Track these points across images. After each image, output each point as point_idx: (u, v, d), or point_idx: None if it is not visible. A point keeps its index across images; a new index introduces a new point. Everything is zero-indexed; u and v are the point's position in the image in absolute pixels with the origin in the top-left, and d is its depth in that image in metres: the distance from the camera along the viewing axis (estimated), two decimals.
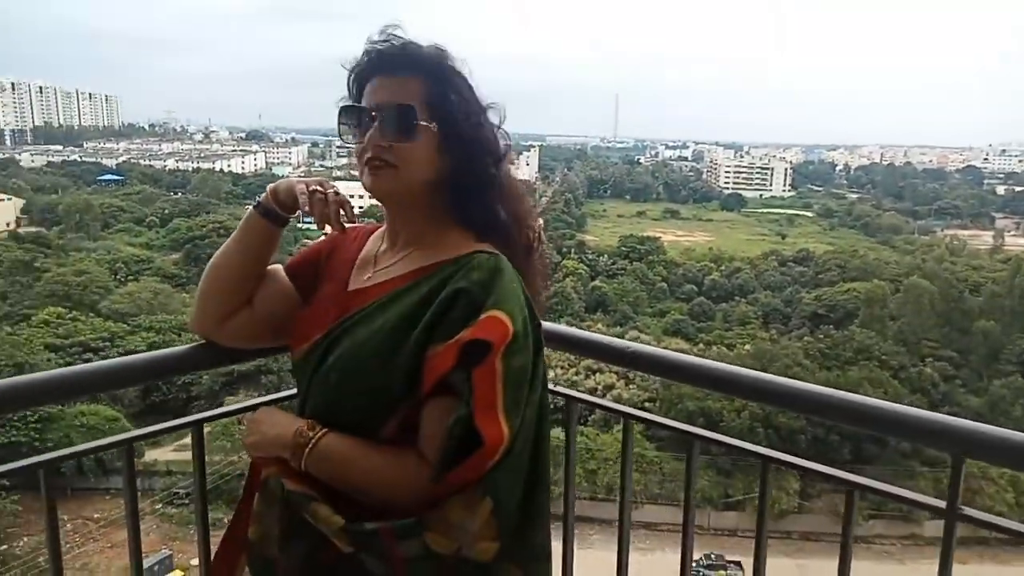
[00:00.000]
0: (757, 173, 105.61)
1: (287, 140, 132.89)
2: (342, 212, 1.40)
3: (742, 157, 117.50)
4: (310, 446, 1.27)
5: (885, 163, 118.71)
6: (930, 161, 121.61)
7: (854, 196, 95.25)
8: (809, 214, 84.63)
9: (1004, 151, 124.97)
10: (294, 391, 1.73)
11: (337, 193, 1.42)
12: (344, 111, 1.36)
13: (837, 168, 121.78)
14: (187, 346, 1.58)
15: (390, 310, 1.30)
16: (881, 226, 72.34)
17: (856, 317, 38.30)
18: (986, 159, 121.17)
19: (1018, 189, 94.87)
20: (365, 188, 1.35)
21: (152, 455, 23.30)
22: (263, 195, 1.48)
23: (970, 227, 76.51)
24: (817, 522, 24.74)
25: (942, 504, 1.37)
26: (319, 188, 1.41)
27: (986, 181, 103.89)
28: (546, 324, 1.42)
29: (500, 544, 1.21)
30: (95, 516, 22.93)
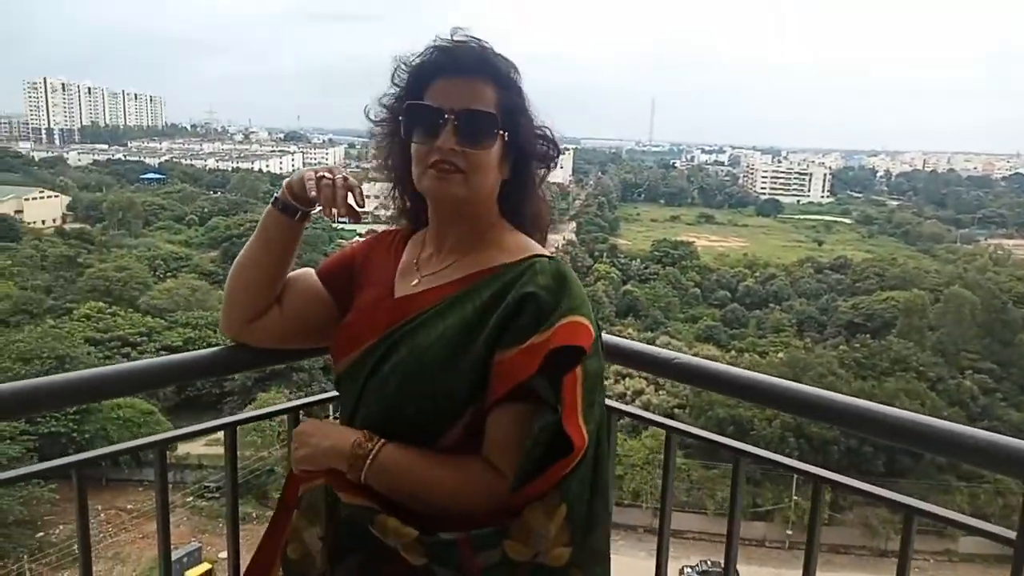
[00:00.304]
0: (795, 178, 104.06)
1: (324, 141, 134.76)
2: (351, 196, 1.38)
3: (780, 162, 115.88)
4: (371, 457, 1.23)
5: (928, 169, 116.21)
6: (975, 168, 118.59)
7: (894, 203, 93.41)
8: (847, 221, 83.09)
9: None
10: (328, 394, 1.75)
11: (346, 179, 1.39)
12: (413, 110, 1.30)
13: (878, 174, 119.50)
14: (218, 348, 1.56)
15: (450, 315, 1.27)
16: (922, 234, 70.73)
17: (894, 327, 37.54)
18: None
19: None
20: (428, 191, 1.31)
21: (184, 449, 23.74)
22: (280, 190, 1.45)
23: (1015, 236, 74.39)
24: (848, 535, 24.30)
25: (1011, 534, 1.28)
26: (327, 174, 1.39)
27: None
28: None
29: (572, 549, 1.20)
30: (128, 507, 23.47)
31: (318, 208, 1.42)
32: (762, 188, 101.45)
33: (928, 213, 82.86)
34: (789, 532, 24.39)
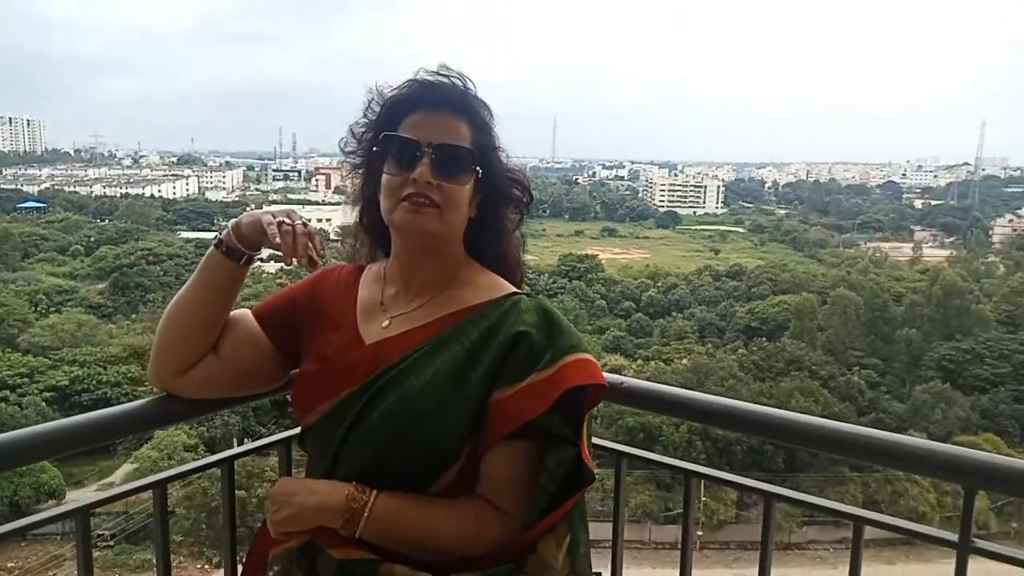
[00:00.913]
0: (691, 191, 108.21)
1: (221, 164, 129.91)
2: (310, 245, 1.33)
3: (676, 176, 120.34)
4: (368, 510, 1.19)
5: (811, 180, 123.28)
6: (853, 177, 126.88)
7: (783, 212, 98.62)
8: (741, 230, 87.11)
9: (920, 167, 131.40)
10: (281, 435, 1.70)
11: (305, 225, 1.35)
12: (388, 140, 1.29)
13: (766, 185, 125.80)
14: (148, 400, 1.45)
15: (438, 357, 1.24)
16: (808, 240, 74.98)
17: (787, 329, 39.53)
18: (904, 175, 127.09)
19: (934, 203, 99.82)
20: (399, 224, 1.28)
21: (72, 494, 22.23)
22: (224, 232, 1.38)
23: (891, 240, 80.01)
24: (755, 531, 25.24)
25: (953, 537, 1.36)
26: (286, 220, 1.34)
27: (904, 196, 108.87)
28: None
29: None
30: (9, 565, 21.67)
31: (266, 252, 1.38)
32: (661, 201, 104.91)
33: (813, 220, 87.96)
34: (700, 533, 25.11)
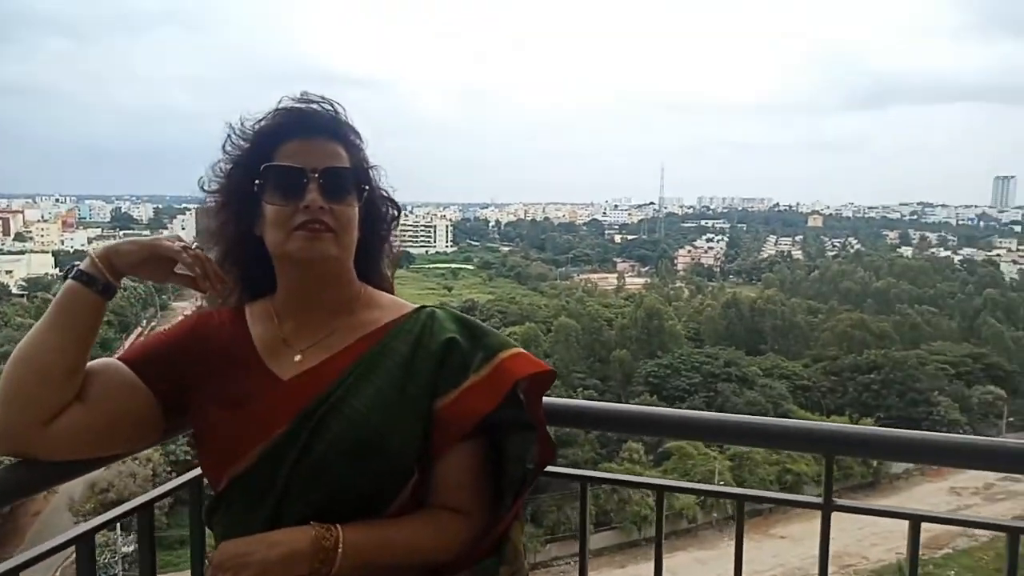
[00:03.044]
0: (422, 230, 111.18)
1: None
2: (219, 272, 1.30)
3: (407, 216, 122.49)
4: (341, 547, 1.13)
5: (529, 219, 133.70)
6: (563, 216, 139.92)
7: (506, 249, 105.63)
8: (470, 267, 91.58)
9: (616, 206, 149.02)
10: (183, 478, 1.59)
11: (200, 248, 1.30)
12: (272, 171, 1.25)
13: (490, 224, 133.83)
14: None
15: (375, 377, 1.23)
16: (531, 275, 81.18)
17: None
18: (605, 213, 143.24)
19: (630, 237, 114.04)
20: (296, 253, 1.24)
21: None
22: (84, 263, 1.24)
23: (598, 271, 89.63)
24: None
25: (819, 500, 1.54)
26: (180, 242, 1.28)
27: (606, 232, 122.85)
28: None
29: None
30: None
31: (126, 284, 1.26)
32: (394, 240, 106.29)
33: (533, 256, 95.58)
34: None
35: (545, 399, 1.39)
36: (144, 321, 55.88)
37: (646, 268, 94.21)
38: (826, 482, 1.54)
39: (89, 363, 1.25)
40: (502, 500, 1.27)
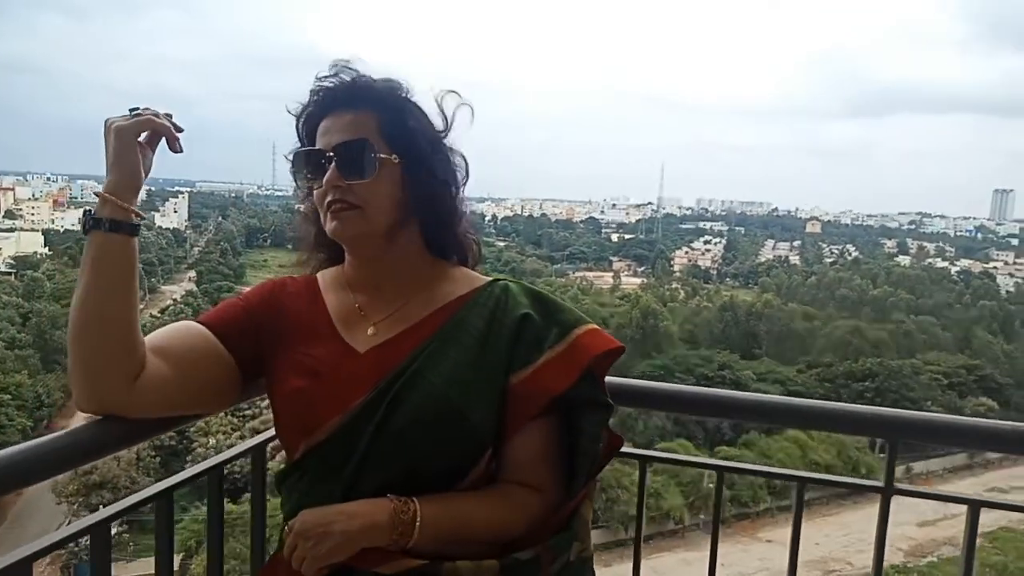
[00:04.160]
0: None
1: None
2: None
3: None
4: (419, 520, 1.16)
5: (525, 214, 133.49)
6: (560, 213, 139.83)
7: (502, 243, 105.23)
8: None
9: (615, 205, 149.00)
10: (247, 444, 1.62)
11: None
12: (298, 157, 1.31)
13: (486, 218, 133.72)
14: (81, 426, 1.24)
15: (451, 351, 1.24)
16: (526, 271, 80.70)
17: None
18: (603, 211, 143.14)
19: (627, 237, 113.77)
20: (330, 234, 1.28)
21: None
22: (100, 209, 1.19)
23: (594, 269, 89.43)
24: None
25: (880, 484, 1.58)
26: (132, 114, 1.23)
27: (603, 230, 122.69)
28: None
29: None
30: None
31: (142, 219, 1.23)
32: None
33: (529, 252, 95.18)
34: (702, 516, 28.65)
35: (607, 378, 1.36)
36: None
37: (642, 268, 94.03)
38: (888, 466, 1.57)
39: (171, 325, 1.31)
40: (575, 478, 1.28)
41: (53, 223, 79.13)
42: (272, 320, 1.34)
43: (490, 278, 1.35)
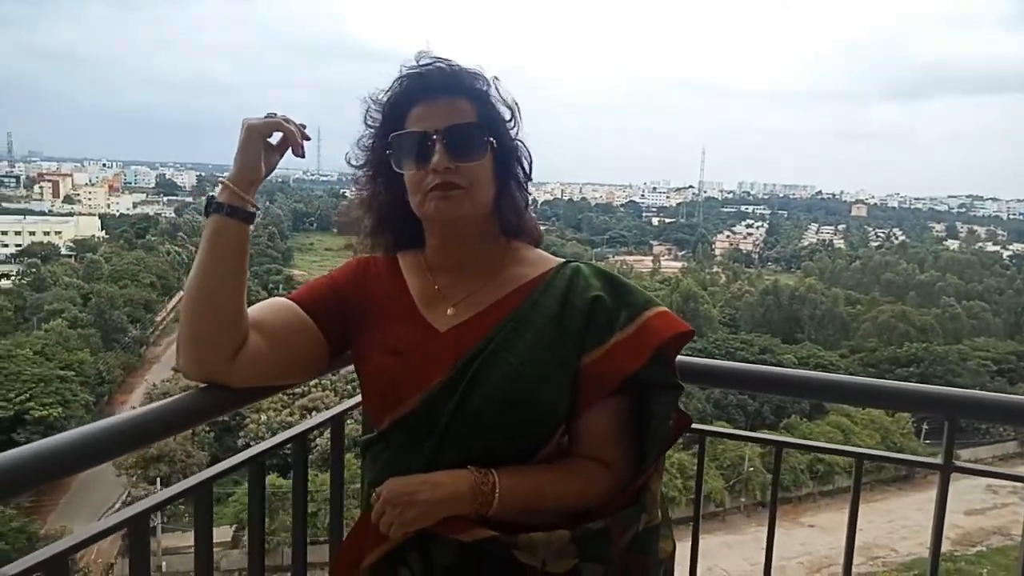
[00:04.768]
0: None
1: None
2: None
3: None
4: (498, 491, 1.20)
5: (565, 198, 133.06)
6: (600, 197, 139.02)
7: (543, 227, 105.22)
8: None
9: (655, 188, 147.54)
10: (328, 413, 1.74)
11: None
12: (402, 139, 1.29)
13: None
14: (190, 392, 1.31)
15: (526, 332, 1.27)
16: (566, 255, 79.41)
17: None
18: (643, 195, 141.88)
19: (668, 221, 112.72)
20: (432, 215, 1.29)
21: None
22: (221, 193, 1.28)
23: (634, 253, 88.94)
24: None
25: (939, 461, 1.59)
26: (266, 117, 1.33)
27: (644, 214, 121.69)
28: None
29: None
30: None
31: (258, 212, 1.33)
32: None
33: (569, 236, 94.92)
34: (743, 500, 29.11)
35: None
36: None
37: (683, 252, 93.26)
38: (947, 444, 1.59)
39: (265, 301, 1.37)
40: (646, 457, 1.31)
41: (109, 207, 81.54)
42: (357, 299, 1.38)
43: (561, 260, 1.39)
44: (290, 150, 1.36)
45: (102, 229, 66.77)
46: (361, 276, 1.42)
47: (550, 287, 1.32)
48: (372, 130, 1.35)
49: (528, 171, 1.41)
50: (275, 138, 1.34)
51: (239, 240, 1.28)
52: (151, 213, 77.16)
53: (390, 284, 1.39)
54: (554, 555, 1.21)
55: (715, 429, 1.91)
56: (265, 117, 1.32)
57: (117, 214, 76.83)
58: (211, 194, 1.31)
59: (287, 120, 1.33)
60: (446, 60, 1.31)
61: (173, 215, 77.01)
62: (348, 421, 1.78)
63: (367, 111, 1.35)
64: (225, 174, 1.33)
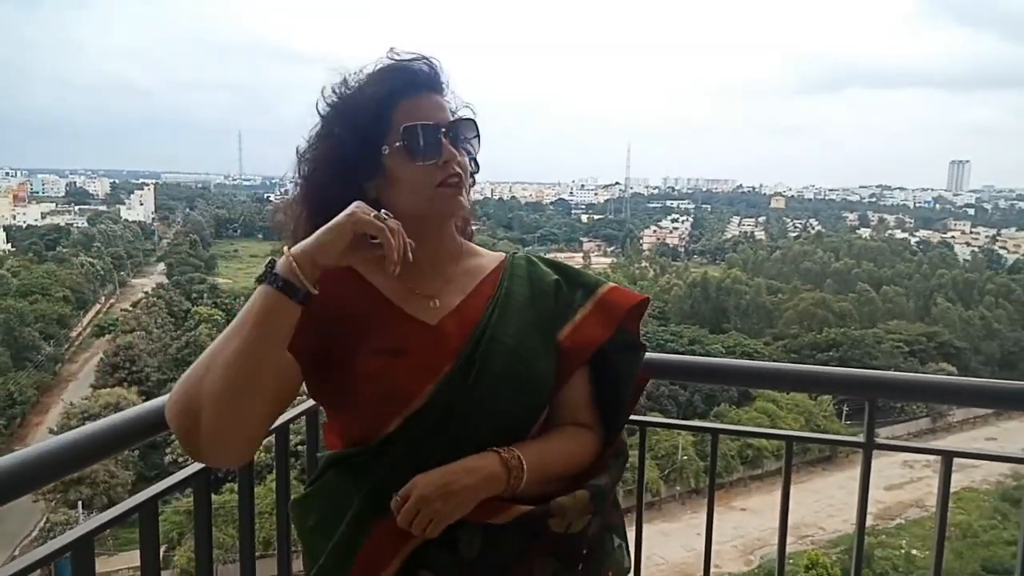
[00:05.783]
0: None
1: None
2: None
3: None
4: (525, 466, 1.23)
5: (496, 197, 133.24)
6: (530, 195, 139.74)
7: (474, 227, 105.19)
8: None
9: (583, 186, 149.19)
10: (298, 409, 1.74)
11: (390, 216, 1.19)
12: (411, 131, 1.25)
13: None
14: (131, 411, 1.32)
15: (510, 316, 1.32)
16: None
17: None
18: (571, 193, 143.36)
19: (596, 217, 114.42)
20: (442, 210, 1.31)
21: None
22: (282, 266, 1.13)
23: (565, 250, 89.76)
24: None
25: (862, 440, 1.70)
26: (378, 214, 1.16)
27: (573, 211, 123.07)
28: None
29: None
30: None
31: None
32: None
33: (500, 235, 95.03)
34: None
35: None
36: (103, 298, 54.62)
37: (612, 248, 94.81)
38: (868, 423, 1.70)
39: None
40: (620, 413, 1.42)
41: (14, 218, 77.04)
42: (331, 310, 1.27)
43: (506, 252, 1.46)
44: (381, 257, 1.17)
45: (8, 242, 63.09)
46: (327, 285, 1.26)
47: (514, 275, 1.39)
48: (341, 120, 1.28)
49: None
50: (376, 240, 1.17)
51: (289, 323, 1.15)
52: (62, 223, 73.19)
53: (357, 289, 1.32)
54: (577, 515, 1.26)
55: (655, 420, 1.99)
56: (377, 215, 1.15)
57: (24, 225, 72.67)
58: (272, 258, 1.16)
59: (395, 231, 1.15)
60: (428, 57, 1.31)
61: (86, 225, 73.39)
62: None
63: (334, 102, 1.30)
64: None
